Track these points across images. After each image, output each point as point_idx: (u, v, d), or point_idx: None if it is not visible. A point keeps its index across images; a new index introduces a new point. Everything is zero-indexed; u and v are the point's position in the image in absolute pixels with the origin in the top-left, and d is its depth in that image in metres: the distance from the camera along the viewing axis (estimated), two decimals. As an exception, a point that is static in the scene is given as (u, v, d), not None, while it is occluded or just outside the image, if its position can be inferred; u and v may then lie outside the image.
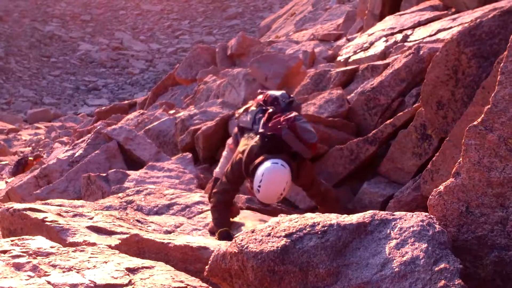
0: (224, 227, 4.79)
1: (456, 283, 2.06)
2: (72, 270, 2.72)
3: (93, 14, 54.50)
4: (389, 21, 9.96)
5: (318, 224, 2.39)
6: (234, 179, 4.99)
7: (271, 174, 4.58)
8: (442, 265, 2.12)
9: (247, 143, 5.01)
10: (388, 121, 5.86)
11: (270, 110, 5.12)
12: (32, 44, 47.54)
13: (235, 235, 2.56)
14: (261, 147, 4.81)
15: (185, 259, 3.58)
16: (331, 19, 21.16)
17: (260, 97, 5.50)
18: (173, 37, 50.78)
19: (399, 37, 8.81)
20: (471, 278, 2.33)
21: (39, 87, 41.52)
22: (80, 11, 54.28)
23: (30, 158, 15.11)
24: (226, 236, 4.61)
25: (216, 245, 3.27)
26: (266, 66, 11.04)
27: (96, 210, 4.79)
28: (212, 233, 4.82)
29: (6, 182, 11.27)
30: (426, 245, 2.20)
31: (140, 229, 4.25)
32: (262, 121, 5.08)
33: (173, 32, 51.59)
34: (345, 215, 2.46)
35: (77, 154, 9.40)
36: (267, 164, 4.61)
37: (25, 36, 48.28)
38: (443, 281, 2.06)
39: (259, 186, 4.57)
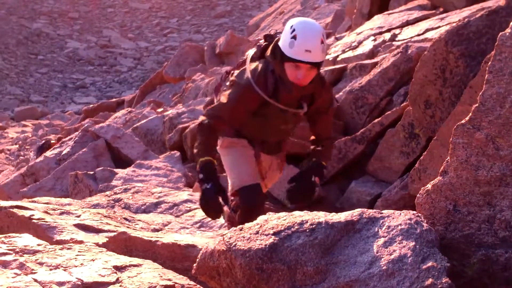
0: (207, 154, 3.71)
1: (444, 281, 2.07)
2: (59, 268, 2.71)
3: (81, 11, 54.22)
4: (378, 20, 9.99)
5: (307, 222, 2.40)
6: (235, 100, 3.71)
7: (303, 19, 3.67)
8: (429, 263, 2.13)
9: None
10: (376, 120, 5.88)
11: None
12: (20, 42, 47.23)
13: (224, 233, 2.55)
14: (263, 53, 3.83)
15: (173, 257, 3.57)
16: (319, 18, 21.18)
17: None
18: (161, 35, 50.64)
19: (387, 36, 8.84)
20: (458, 276, 2.34)
21: (26, 85, 41.25)
22: (68, 9, 53.98)
23: (52, 141, 15.10)
24: (208, 168, 3.62)
25: (204, 243, 3.26)
26: (254, 64, 11.02)
27: (83, 208, 4.77)
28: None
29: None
30: (413, 243, 2.21)
31: (128, 227, 4.24)
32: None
33: (162, 30, 51.45)
34: (333, 213, 2.47)
35: (64, 152, 9.36)
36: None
37: (12, 34, 47.95)
38: (430, 279, 2.07)
39: (293, 31, 3.54)
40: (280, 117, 3.93)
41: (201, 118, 3.87)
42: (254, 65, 3.80)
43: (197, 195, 5.38)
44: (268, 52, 3.76)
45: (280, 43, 3.64)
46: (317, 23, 3.70)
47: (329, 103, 4.07)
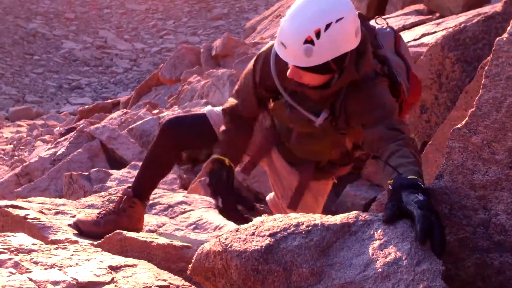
0: (226, 154, 3.16)
1: (438, 284, 2.08)
2: (54, 267, 2.70)
3: (77, 12, 54.14)
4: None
5: (302, 224, 2.40)
6: (244, 73, 3.14)
7: None
8: (424, 266, 2.13)
9: None
10: (372, 124, 5.88)
11: None
12: (15, 42, 47.12)
13: (219, 235, 2.55)
14: None
15: (168, 258, 3.57)
16: (316, 22, 21.14)
17: None
18: (157, 36, 50.59)
19: (383, 41, 8.85)
20: (452, 280, 2.35)
21: (21, 85, 41.15)
22: (64, 9, 53.90)
23: None
24: (218, 168, 3.18)
25: (200, 244, 3.26)
26: (251, 67, 11.03)
27: (78, 208, 4.77)
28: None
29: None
30: (409, 246, 2.21)
31: (123, 228, 4.23)
32: None
33: (158, 31, 51.41)
34: (329, 216, 2.47)
35: (59, 153, 9.36)
36: None
37: (8, 33, 47.84)
38: (425, 282, 2.08)
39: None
40: (286, 117, 3.08)
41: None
42: None
43: (191, 197, 5.38)
44: None
45: None
46: (325, 5, 2.59)
47: (370, 108, 2.82)
